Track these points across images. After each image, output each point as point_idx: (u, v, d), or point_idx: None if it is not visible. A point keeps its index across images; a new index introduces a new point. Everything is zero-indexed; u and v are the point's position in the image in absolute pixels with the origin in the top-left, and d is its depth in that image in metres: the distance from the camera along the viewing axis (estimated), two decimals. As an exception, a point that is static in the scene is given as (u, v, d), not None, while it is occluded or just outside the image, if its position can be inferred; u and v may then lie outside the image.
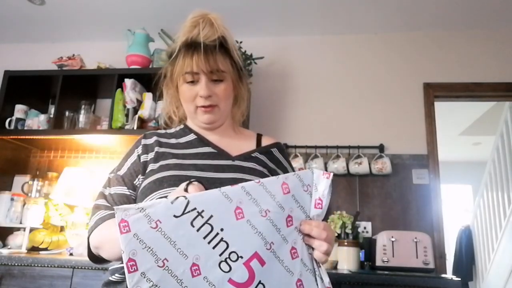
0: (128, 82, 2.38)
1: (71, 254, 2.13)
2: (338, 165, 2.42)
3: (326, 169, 2.43)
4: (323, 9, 2.51)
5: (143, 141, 0.99)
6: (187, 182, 0.71)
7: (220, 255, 0.62)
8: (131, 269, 0.58)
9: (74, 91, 2.56)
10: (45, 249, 2.20)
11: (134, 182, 0.93)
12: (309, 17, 2.61)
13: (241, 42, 2.36)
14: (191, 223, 0.62)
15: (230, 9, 2.49)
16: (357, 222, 2.21)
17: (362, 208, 2.40)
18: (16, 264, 1.84)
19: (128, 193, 0.92)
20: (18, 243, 2.27)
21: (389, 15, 2.55)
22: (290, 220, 0.70)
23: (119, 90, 2.40)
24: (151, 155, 0.95)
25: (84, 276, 1.80)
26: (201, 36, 0.92)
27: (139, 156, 0.96)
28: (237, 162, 0.93)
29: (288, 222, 0.69)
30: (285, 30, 2.75)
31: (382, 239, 2.04)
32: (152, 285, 0.58)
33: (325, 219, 0.83)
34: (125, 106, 2.37)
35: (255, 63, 2.57)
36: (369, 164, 2.39)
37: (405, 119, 2.56)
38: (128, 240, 0.59)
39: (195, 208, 0.63)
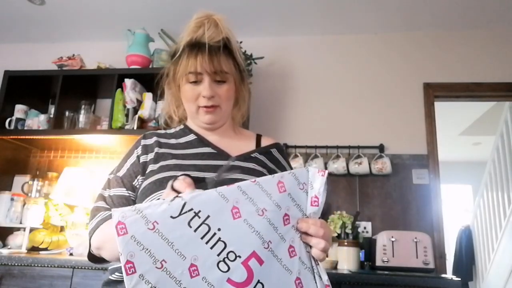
0: (128, 82, 2.38)
1: (71, 254, 2.13)
2: (338, 165, 2.42)
3: (326, 169, 2.43)
4: (323, 9, 2.51)
5: (143, 142, 0.99)
6: (172, 180, 0.70)
7: (218, 255, 0.62)
8: (129, 271, 0.58)
9: (74, 91, 2.56)
10: (45, 249, 2.20)
11: (133, 183, 0.93)
12: (309, 17, 2.61)
13: (241, 42, 2.35)
14: (188, 224, 0.62)
15: (230, 9, 2.49)
16: (357, 222, 2.21)
17: (362, 208, 2.40)
18: (16, 264, 1.84)
19: (127, 194, 0.92)
20: (18, 243, 2.27)
21: (389, 15, 2.55)
22: (287, 219, 0.70)
23: (119, 90, 2.40)
24: (151, 155, 0.95)
25: (84, 276, 1.80)
26: (206, 37, 0.92)
27: (138, 157, 0.96)
28: (236, 163, 0.93)
29: (285, 221, 0.69)
30: (285, 30, 2.75)
31: (382, 239, 2.04)
32: (151, 287, 0.58)
33: (325, 218, 0.84)
34: (125, 106, 2.37)
35: (255, 63, 2.57)
36: (369, 164, 2.39)
37: (405, 119, 2.56)
38: (126, 242, 0.59)
39: (191, 209, 0.63)
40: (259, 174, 0.93)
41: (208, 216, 0.63)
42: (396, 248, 2.00)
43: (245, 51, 2.49)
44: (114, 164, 1.00)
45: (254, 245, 0.65)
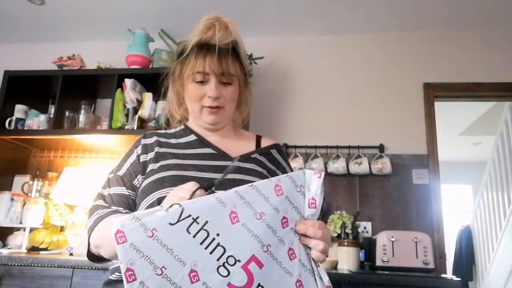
0: (128, 82, 2.38)
1: (71, 254, 2.13)
2: (338, 165, 2.42)
3: (326, 169, 2.43)
4: (323, 9, 2.51)
5: (143, 141, 0.99)
6: (196, 188, 0.70)
7: (218, 260, 0.63)
8: (130, 278, 0.58)
9: (74, 91, 2.56)
10: (45, 249, 2.20)
11: (134, 183, 0.93)
12: (309, 17, 2.61)
13: (241, 42, 2.36)
14: (187, 230, 0.62)
15: (230, 9, 2.49)
16: (357, 222, 2.21)
17: (362, 208, 2.40)
18: (16, 264, 1.84)
19: (127, 193, 0.92)
20: (18, 243, 2.27)
21: (389, 15, 2.54)
22: (286, 222, 0.70)
23: (119, 90, 2.40)
24: (151, 155, 0.95)
25: (84, 276, 1.80)
26: (216, 38, 0.94)
27: (138, 156, 0.96)
28: (236, 163, 0.94)
29: (283, 224, 0.70)
30: (285, 30, 2.75)
31: (382, 239, 2.04)
32: None
33: (325, 219, 0.84)
34: (125, 106, 2.37)
35: (255, 63, 2.57)
36: (369, 164, 2.39)
37: (405, 119, 2.56)
38: (125, 250, 0.59)
39: (190, 215, 0.63)
40: (259, 175, 0.93)
41: (207, 222, 0.64)
42: (396, 248, 2.00)
43: (245, 51, 2.48)
44: (114, 164, 1.00)
45: (253, 249, 0.65)
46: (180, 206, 0.63)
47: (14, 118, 2.49)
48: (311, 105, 2.66)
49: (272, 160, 1.01)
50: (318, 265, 0.72)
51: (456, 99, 2.68)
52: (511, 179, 3.81)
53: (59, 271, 1.81)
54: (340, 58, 2.74)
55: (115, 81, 2.42)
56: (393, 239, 2.02)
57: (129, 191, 0.92)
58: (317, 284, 0.70)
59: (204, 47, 0.95)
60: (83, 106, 2.48)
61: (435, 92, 2.58)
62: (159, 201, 0.82)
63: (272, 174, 0.98)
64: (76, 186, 2.35)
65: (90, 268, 1.79)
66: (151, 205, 0.85)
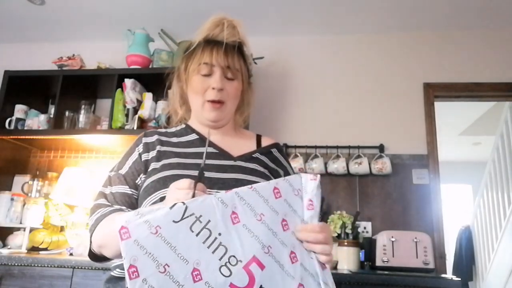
0: (128, 82, 2.38)
1: (71, 254, 2.13)
2: (338, 165, 2.42)
3: (326, 169, 2.43)
4: (323, 9, 2.51)
5: (144, 140, 0.99)
6: (195, 181, 0.70)
7: (220, 259, 0.63)
8: (133, 275, 0.58)
9: (74, 91, 2.56)
10: (45, 249, 2.20)
11: (136, 182, 0.93)
12: (309, 17, 2.61)
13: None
14: (190, 228, 0.62)
15: (230, 9, 2.49)
16: (357, 222, 2.21)
17: (362, 208, 2.40)
18: (16, 264, 1.84)
19: (130, 192, 0.92)
20: (18, 243, 2.27)
21: (389, 15, 2.54)
22: (286, 224, 0.70)
23: (119, 90, 2.40)
24: (152, 153, 0.95)
25: (84, 276, 1.80)
26: (224, 35, 0.96)
27: (140, 155, 0.96)
28: (238, 163, 0.94)
29: (284, 226, 0.70)
30: (285, 30, 2.75)
31: (382, 239, 2.04)
32: None
33: (325, 218, 0.85)
34: (125, 106, 2.38)
35: (255, 63, 2.57)
36: (369, 164, 2.39)
37: (405, 119, 2.56)
38: (129, 247, 0.59)
39: (193, 213, 0.63)
40: (261, 174, 0.93)
41: (209, 221, 0.64)
42: (396, 248, 2.00)
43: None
44: (114, 164, 0.99)
45: (254, 250, 0.65)
46: (184, 204, 0.63)
47: (14, 118, 2.49)
48: (311, 105, 2.66)
49: (273, 159, 1.02)
50: (326, 267, 0.72)
51: (456, 99, 2.68)
52: (511, 179, 3.81)
53: (59, 271, 1.82)
54: (340, 58, 2.74)
55: (115, 81, 2.42)
56: (393, 239, 2.02)
57: (132, 190, 0.92)
58: None
59: (211, 42, 0.97)
60: (83, 106, 2.48)
61: (435, 92, 2.58)
62: (162, 200, 0.82)
63: (274, 173, 0.98)
64: (76, 186, 2.35)
65: (90, 268, 1.79)
66: (153, 204, 0.85)
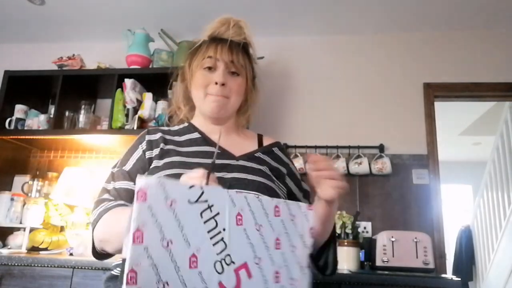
0: (128, 82, 2.38)
1: (71, 254, 2.13)
2: (338, 165, 2.42)
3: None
4: (323, 9, 2.51)
5: (147, 137, 0.98)
6: (208, 171, 0.70)
7: (218, 254, 0.63)
8: (137, 240, 0.56)
9: (74, 91, 2.56)
10: (45, 249, 2.20)
11: None
12: (309, 17, 2.61)
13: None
14: (201, 214, 0.63)
15: (230, 8, 2.49)
16: (357, 222, 2.21)
17: (362, 208, 2.40)
18: (16, 264, 1.84)
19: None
20: (18, 243, 2.27)
21: (389, 15, 2.54)
22: (279, 243, 0.71)
23: (119, 90, 2.40)
24: (156, 151, 0.95)
25: (84, 276, 1.80)
26: (230, 32, 0.97)
27: (144, 152, 0.95)
28: (241, 162, 0.94)
29: (276, 245, 0.71)
30: (285, 30, 2.75)
31: (382, 239, 2.04)
32: (151, 264, 0.57)
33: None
34: (125, 106, 2.37)
35: (255, 63, 2.56)
36: (369, 164, 2.39)
37: (405, 119, 2.56)
38: (142, 210, 0.58)
39: (207, 200, 0.63)
40: (263, 174, 0.93)
41: (218, 213, 0.64)
42: (396, 248, 2.00)
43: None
44: (115, 162, 0.99)
45: (247, 257, 0.66)
46: (201, 188, 0.64)
47: (14, 118, 2.49)
48: (311, 105, 2.66)
49: (275, 158, 1.02)
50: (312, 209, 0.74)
51: (456, 99, 2.68)
52: (511, 179, 3.81)
53: (59, 271, 1.81)
54: (340, 58, 2.74)
55: (115, 81, 2.42)
56: (393, 239, 2.01)
57: None
58: None
59: (216, 40, 0.98)
60: (83, 106, 2.48)
61: (435, 92, 2.57)
62: None
63: (276, 171, 0.98)
64: (76, 186, 2.35)
65: (90, 268, 1.79)
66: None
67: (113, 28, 2.79)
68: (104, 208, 0.86)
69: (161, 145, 0.95)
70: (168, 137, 0.99)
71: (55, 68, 2.58)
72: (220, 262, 0.63)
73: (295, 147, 2.53)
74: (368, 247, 2.17)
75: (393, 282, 1.68)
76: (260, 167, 0.95)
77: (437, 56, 2.64)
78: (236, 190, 0.69)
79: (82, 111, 2.47)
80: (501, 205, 4.02)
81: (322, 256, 0.94)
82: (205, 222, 0.63)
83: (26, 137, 2.48)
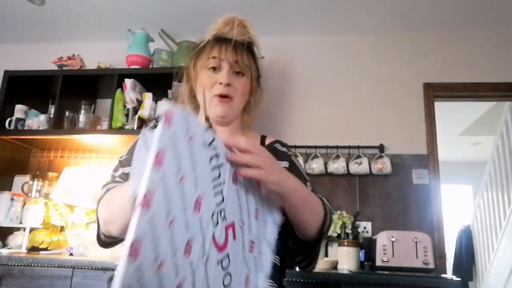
0: (128, 82, 2.38)
1: (71, 254, 2.13)
2: (338, 165, 2.42)
3: (326, 169, 2.43)
4: (324, 9, 2.51)
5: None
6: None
7: (216, 205, 0.63)
8: (156, 164, 0.52)
9: (74, 91, 2.56)
10: (45, 249, 2.20)
11: None
12: (309, 17, 2.61)
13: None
14: (210, 159, 0.63)
15: (230, 8, 2.47)
16: (357, 222, 2.21)
17: (362, 208, 2.40)
18: (16, 264, 1.84)
19: None
20: (18, 243, 2.27)
21: (389, 15, 2.54)
22: (257, 214, 0.72)
23: (119, 90, 2.40)
24: None
25: (84, 276, 1.80)
26: (234, 32, 0.97)
27: None
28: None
29: (256, 215, 0.72)
30: (285, 30, 2.75)
31: (382, 239, 2.04)
32: (165, 194, 0.54)
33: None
34: (125, 106, 2.37)
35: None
36: (369, 164, 2.39)
37: (405, 119, 2.55)
38: (167, 136, 0.55)
39: (216, 148, 0.64)
40: None
41: (222, 164, 0.65)
42: (396, 248, 2.00)
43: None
44: (114, 164, 0.99)
45: (236, 217, 0.66)
46: (213, 135, 0.64)
47: (14, 118, 2.49)
48: (311, 105, 2.66)
49: (276, 154, 1.02)
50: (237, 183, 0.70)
51: (456, 99, 2.68)
52: (511, 179, 3.81)
53: (59, 271, 1.81)
54: (340, 58, 2.74)
55: (115, 81, 2.42)
56: (393, 239, 2.02)
57: None
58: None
59: (220, 40, 0.97)
60: (83, 106, 2.48)
61: (435, 92, 2.57)
62: None
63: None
64: (76, 186, 2.35)
65: (90, 268, 1.79)
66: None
67: (113, 28, 2.78)
68: (107, 189, 0.86)
69: None
70: None
71: (55, 68, 2.58)
72: (217, 214, 0.62)
73: (295, 147, 2.53)
74: (368, 247, 2.17)
75: (393, 282, 1.68)
76: None
77: (437, 56, 2.64)
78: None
79: (82, 111, 2.47)
80: (501, 205, 4.02)
81: (310, 253, 0.89)
82: (211, 169, 0.63)
83: (26, 137, 2.48)
